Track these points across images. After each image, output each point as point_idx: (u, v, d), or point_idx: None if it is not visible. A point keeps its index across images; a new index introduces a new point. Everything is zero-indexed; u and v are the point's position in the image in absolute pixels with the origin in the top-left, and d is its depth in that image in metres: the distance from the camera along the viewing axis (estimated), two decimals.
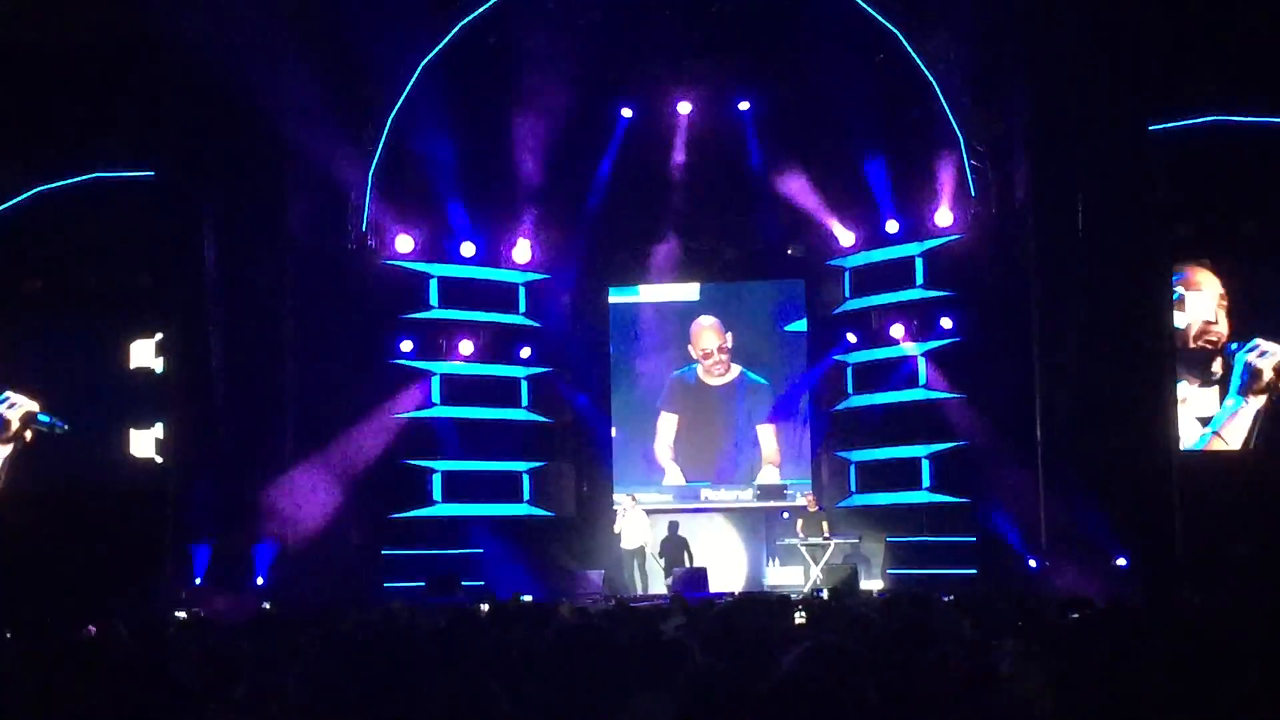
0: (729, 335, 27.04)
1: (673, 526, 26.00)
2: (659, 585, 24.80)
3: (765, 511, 26.60)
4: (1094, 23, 21.73)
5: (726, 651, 7.18)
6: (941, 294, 24.99)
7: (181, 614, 16.80)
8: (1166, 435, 22.08)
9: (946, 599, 14.22)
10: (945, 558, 23.89)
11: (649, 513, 25.94)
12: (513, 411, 26.74)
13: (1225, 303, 22.71)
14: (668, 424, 27.14)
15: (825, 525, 24.89)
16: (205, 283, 23.04)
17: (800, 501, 26.02)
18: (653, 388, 27.21)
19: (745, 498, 26.78)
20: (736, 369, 27.04)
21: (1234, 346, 22.61)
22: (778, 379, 26.99)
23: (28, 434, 24.07)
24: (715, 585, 24.05)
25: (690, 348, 27.23)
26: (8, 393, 24.16)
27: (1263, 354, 22.44)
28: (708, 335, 27.09)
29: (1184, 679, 6.55)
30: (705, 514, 26.79)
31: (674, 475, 26.98)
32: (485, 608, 14.61)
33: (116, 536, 22.49)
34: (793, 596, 15.79)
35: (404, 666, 6.94)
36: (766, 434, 26.88)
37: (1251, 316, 22.62)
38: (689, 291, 27.33)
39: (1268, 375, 22.42)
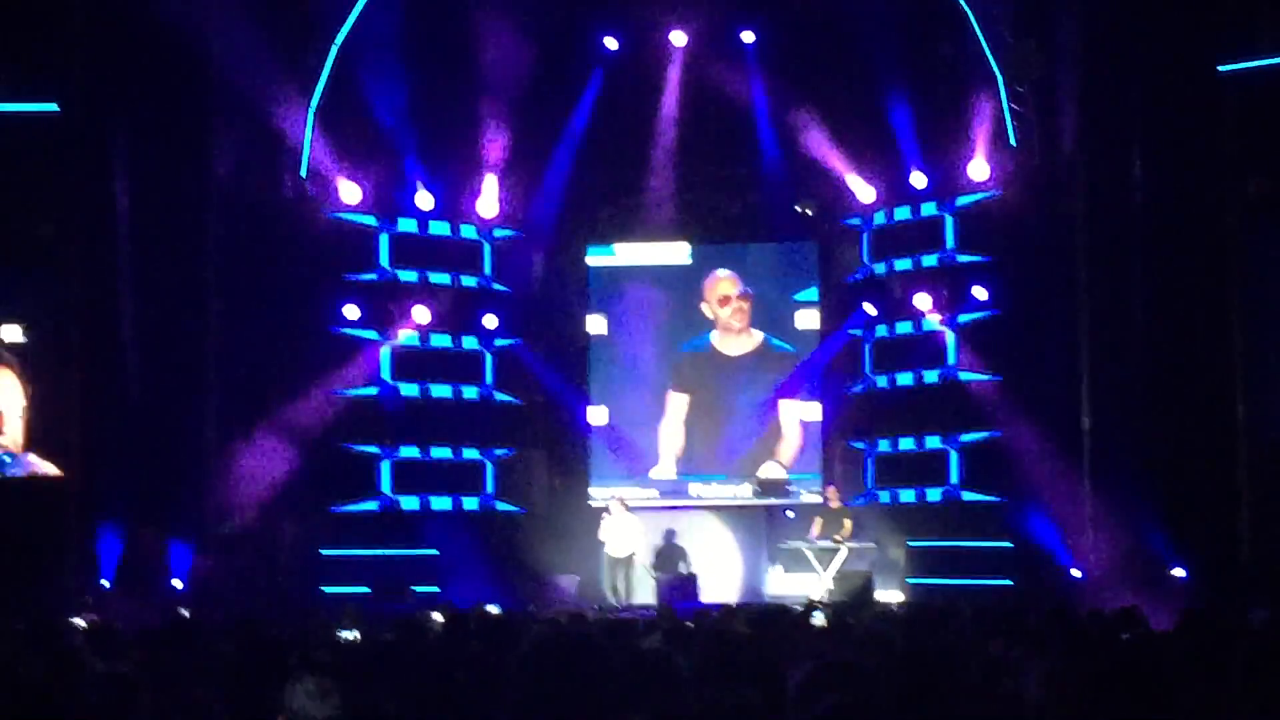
0: (748, 301, 26.93)
1: (668, 535, 25.90)
2: (646, 594, 24.69)
3: (766, 510, 26.51)
4: None
5: (721, 670, 7.11)
6: (975, 259, 24.91)
7: (82, 621, 16.65)
8: (1234, 426, 22.00)
9: (969, 612, 14.16)
10: (975, 566, 23.81)
11: (633, 511, 25.84)
12: (475, 390, 26.63)
13: None
14: (678, 405, 27.03)
15: (848, 525, 24.71)
16: (116, 234, 22.88)
17: (811, 498, 25.92)
18: (637, 364, 27.09)
19: (743, 494, 26.68)
20: (759, 334, 26.92)
21: None
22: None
23: None
24: (707, 595, 23.99)
25: (704, 306, 27.06)
26: None
27: None
28: (725, 284, 26.97)
29: (1246, 710, 6.47)
30: (696, 513, 26.68)
31: (665, 468, 26.84)
32: (438, 618, 14.50)
33: (9, 528, 22.36)
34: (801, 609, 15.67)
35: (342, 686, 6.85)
36: (790, 411, 26.80)
37: None
38: (678, 253, 27.19)
39: None
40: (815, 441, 26.68)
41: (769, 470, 26.61)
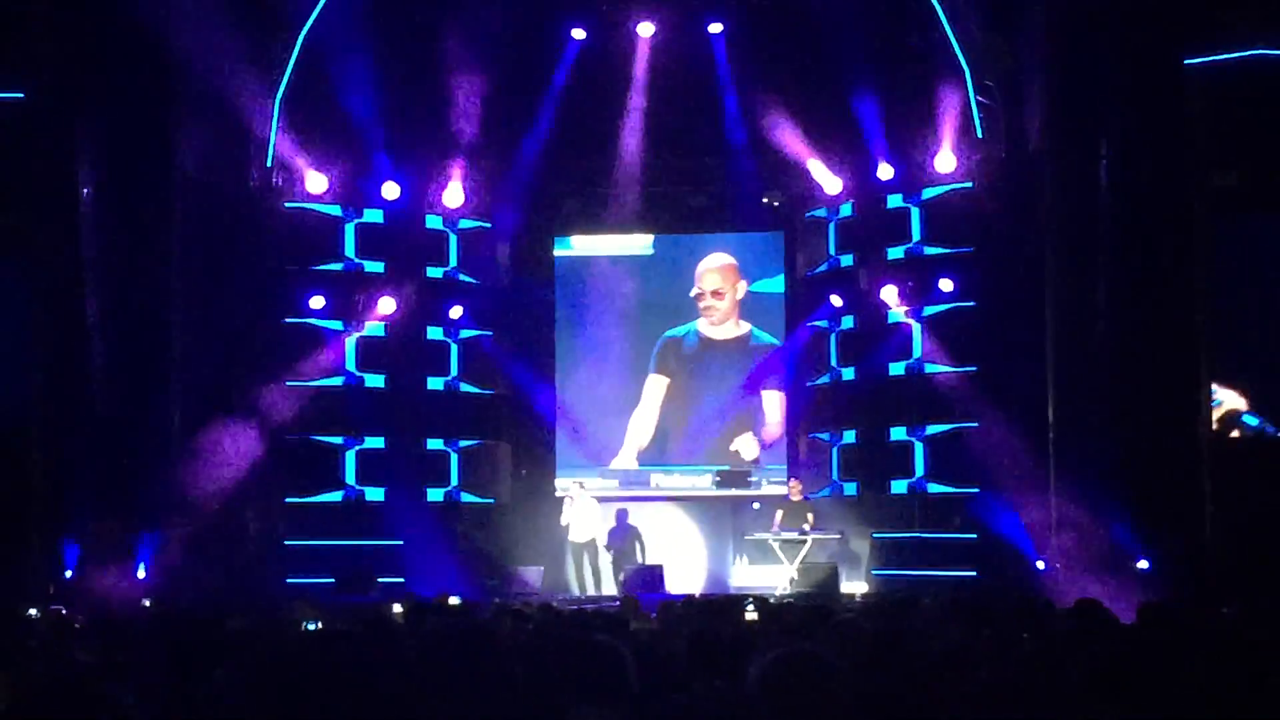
0: (742, 284, 26.90)
1: (621, 515, 25.92)
2: (611, 585, 24.73)
3: (732, 501, 26.51)
4: None
5: (681, 661, 7.09)
6: (941, 251, 24.93)
7: (34, 611, 16.55)
8: (1199, 419, 22.05)
9: (932, 603, 14.17)
10: (940, 557, 23.86)
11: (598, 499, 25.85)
12: (441, 381, 26.58)
13: None
14: (655, 389, 27.05)
15: (811, 518, 24.75)
16: (80, 223, 22.74)
17: (774, 490, 25.96)
18: (601, 355, 27.08)
19: (703, 485, 26.67)
20: (746, 325, 27.00)
21: None
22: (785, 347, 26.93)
23: None
24: (673, 586, 24.00)
25: (694, 292, 27.21)
26: None
27: None
28: (711, 276, 26.98)
29: (1203, 700, 6.47)
30: (661, 504, 26.67)
31: (626, 457, 26.83)
32: (398, 609, 14.47)
33: None
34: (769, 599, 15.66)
35: (302, 679, 6.78)
36: (772, 403, 26.77)
37: None
38: (641, 244, 27.18)
39: None
40: (781, 433, 26.69)
41: (742, 445, 26.57)
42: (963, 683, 6.63)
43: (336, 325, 25.63)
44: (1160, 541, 21.00)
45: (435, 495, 26.12)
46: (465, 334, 26.67)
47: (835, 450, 26.32)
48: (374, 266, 25.95)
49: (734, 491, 26.41)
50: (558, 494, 26.43)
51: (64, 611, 16.19)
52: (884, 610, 13.15)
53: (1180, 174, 22.05)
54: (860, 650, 7.19)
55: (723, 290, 26.90)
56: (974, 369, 24.24)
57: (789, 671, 5.49)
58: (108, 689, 6.66)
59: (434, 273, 26.49)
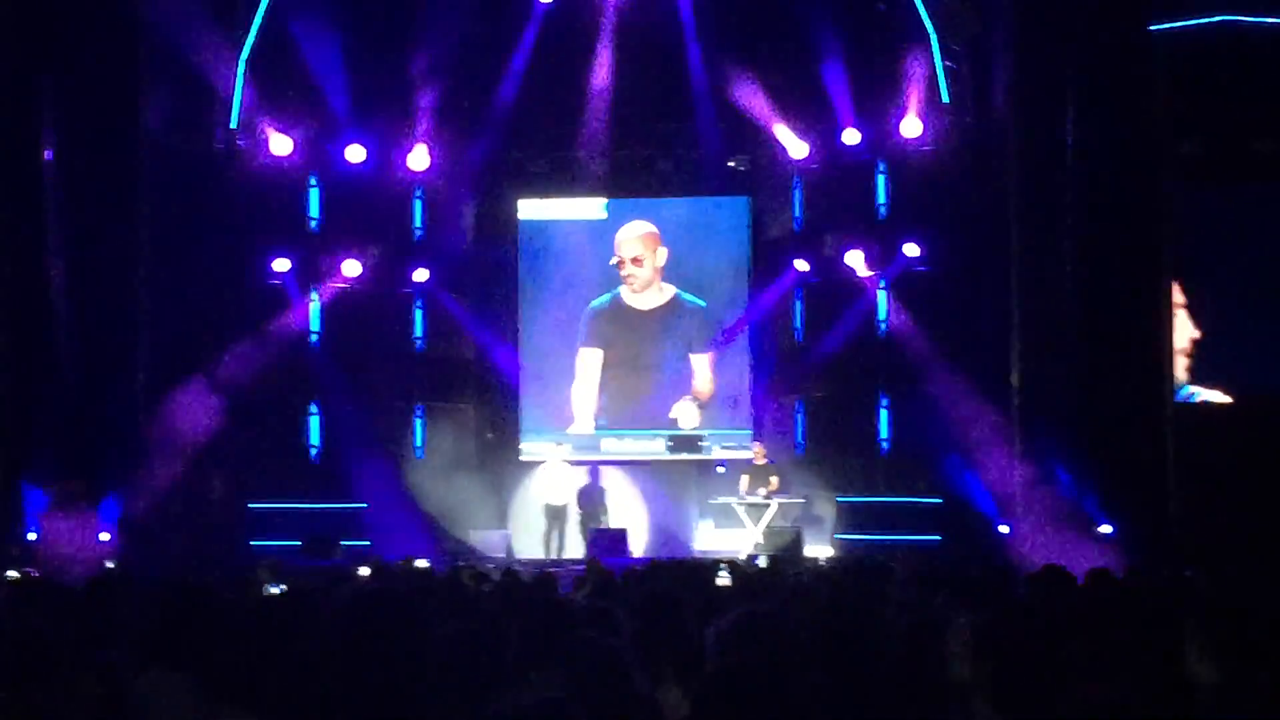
0: (663, 251, 26.77)
1: (593, 473, 25.89)
2: (577, 550, 24.71)
3: (696, 465, 26.49)
4: None
5: (639, 622, 7.09)
6: (907, 216, 24.91)
7: (13, 573, 16.53)
8: (1161, 384, 22.12)
9: (895, 567, 14.23)
10: (905, 522, 23.87)
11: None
12: (405, 343, 26.50)
13: None
14: (590, 361, 26.94)
15: (775, 482, 24.76)
16: (43, 184, 22.63)
17: (725, 454, 25.99)
18: (565, 319, 26.99)
19: (655, 449, 26.64)
20: (670, 289, 26.83)
21: None
22: (713, 310, 26.78)
23: None
24: (637, 549, 24.02)
25: (614, 260, 27.03)
26: None
27: None
28: (631, 244, 26.85)
29: (1164, 661, 6.50)
30: (625, 467, 26.64)
31: (582, 423, 26.78)
32: (365, 571, 14.48)
33: None
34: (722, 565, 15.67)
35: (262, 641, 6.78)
36: (701, 365, 26.74)
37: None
38: (594, 207, 27.10)
39: None
40: (737, 398, 26.65)
41: (681, 410, 26.55)
42: (926, 652, 6.66)
43: (301, 287, 25.51)
44: (1124, 506, 21.11)
45: (400, 458, 26.05)
46: (429, 296, 26.57)
47: (800, 414, 26.33)
48: (338, 229, 25.84)
49: (685, 456, 26.36)
50: (523, 458, 26.39)
51: (33, 574, 16.16)
52: (847, 575, 13.17)
53: (1146, 140, 22.11)
54: (820, 614, 7.19)
55: (641, 257, 26.66)
56: (939, 333, 24.24)
57: (750, 634, 5.49)
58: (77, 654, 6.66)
59: (399, 235, 26.39)
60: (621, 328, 26.86)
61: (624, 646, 5.84)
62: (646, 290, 26.76)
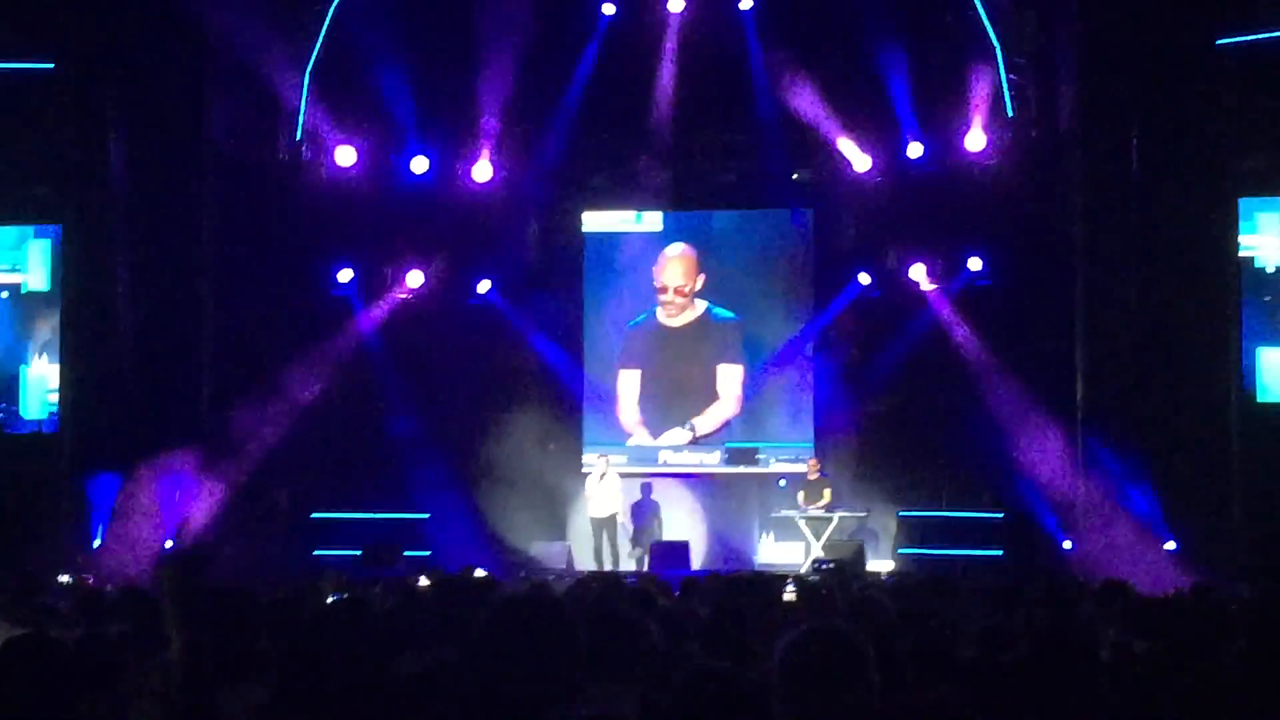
0: (700, 277, 26.70)
1: (645, 489, 25.82)
2: (630, 561, 24.63)
3: (758, 478, 26.40)
4: None
5: (704, 637, 7.04)
6: (970, 230, 24.80)
7: (65, 578, 16.61)
8: (1227, 400, 21.94)
9: (959, 582, 14.15)
10: (967, 536, 23.77)
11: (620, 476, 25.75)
12: (467, 354, 26.52)
13: None
14: (629, 383, 26.90)
15: (828, 495, 24.69)
16: (111, 193, 22.77)
17: (781, 467, 25.88)
18: (618, 330, 26.95)
19: (711, 461, 26.57)
20: (701, 305, 26.73)
21: None
22: (773, 324, 26.72)
23: None
24: (698, 562, 23.95)
25: (655, 280, 26.97)
26: None
27: None
28: (672, 267, 26.78)
29: (1221, 683, 6.42)
30: (685, 481, 26.56)
31: (640, 435, 26.73)
32: (424, 581, 14.44)
33: (4, 489, 22.37)
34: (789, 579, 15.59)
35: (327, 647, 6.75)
36: (727, 376, 26.61)
37: None
38: (651, 221, 27.03)
39: None
40: (806, 411, 26.53)
41: (706, 425, 26.46)
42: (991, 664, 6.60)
43: (364, 298, 25.57)
44: (1190, 521, 20.95)
45: (461, 469, 26.05)
46: (492, 307, 26.56)
47: (860, 428, 26.22)
48: (402, 239, 25.90)
49: (742, 469, 26.31)
50: (585, 470, 26.35)
51: (91, 580, 16.22)
52: (911, 590, 13.08)
53: (1210, 154, 21.97)
54: (887, 629, 7.13)
55: (685, 288, 26.67)
56: (1002, 347, 24.12)
57: (818, 650, 5.42)
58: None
59: (462, 246, 26.41)
60: (659, 347, 26.79)
61: (697, 652, 5.79)
62: (683, 308, 26.71)
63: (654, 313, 26.84)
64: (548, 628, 5.25)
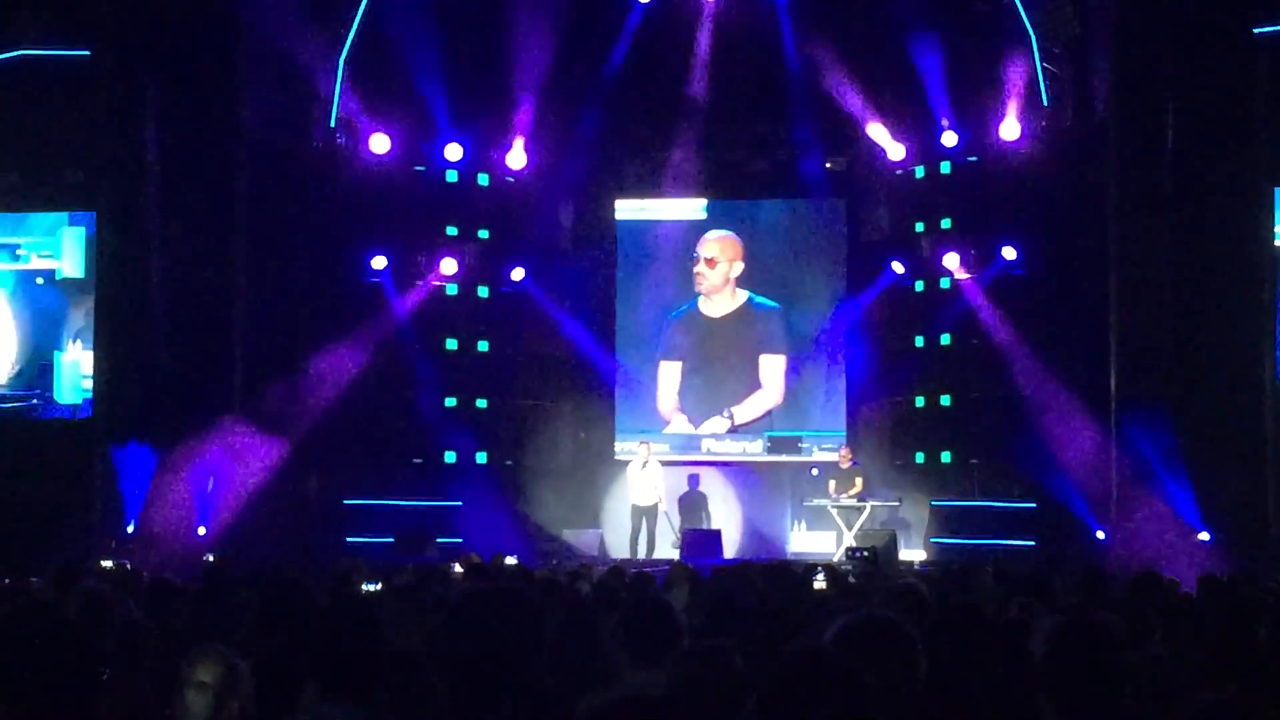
0: (739, 264, 26.67)
1: (693, 481, 25.82)
2: (667, 549, 24.59)
3: (790, 467, 26.40)
4: None
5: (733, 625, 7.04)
6: (1004, 219, 24.75)
7: (107, 563, 16.66)
8: (1262, 390, 21.85)
9: (988, 570, 14.11)
10: (999, 526, 23.77)
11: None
12: (500, 342, 26.56)
13: None
14: (670, 374, 26.92)
15: (859, 483, 24.65)
16: (146, 180, 22.81)
17: (823, 456, 25.86)
18: (660, 319, 26.92)
19: (754, 450, 26.57)
20: (743, 294, 26.74)
21: None
22: (809, 313, 26.68)
23: None
24: (730, 551, 23.94)
25: (695, 267, 26.95)
26: None
27: None
28: (709, 245, 26.78)
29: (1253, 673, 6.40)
30: (719, 469, 26.55)
31: (679, 423, 26.71)
32: (458, 569, 14.49)
33: (39, 474, 22.44)
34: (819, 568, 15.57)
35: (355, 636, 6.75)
36: (770, 365, 26.65)
37: None
38: (693, 208, 27.03)
39: None
40: (839, 400, 26.51)
41: (747, 414, 26.44)
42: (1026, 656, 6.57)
43: (397, 285, 25.59)
44: (1225, 511, 20.86)
45: (494, 456, 26.08)
46: (526, 295, 26.57)
47: (894, 417, 26.20)
48: (436, 226, 25.93)
49: (784, 457, 26.31)
50: (618, 457, 26.33)
51: (128, 566, 16.26)
52: (945, 580, 13.07)
53: (1247, 143, 21.86)
54: (924, 617, 7.12)
55: (716, 259, 26.58)
56: (1036, 336, 24.05)
57: (867, 639, 5.42)
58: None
59: (496, 234, 26.43)
60: (698, 338, 26.79)
61: (732, 645, 5.79)
62: (719, 297, 26.67)
63: (695, 304, 26.84)
64: (509, 623, 5.23)
